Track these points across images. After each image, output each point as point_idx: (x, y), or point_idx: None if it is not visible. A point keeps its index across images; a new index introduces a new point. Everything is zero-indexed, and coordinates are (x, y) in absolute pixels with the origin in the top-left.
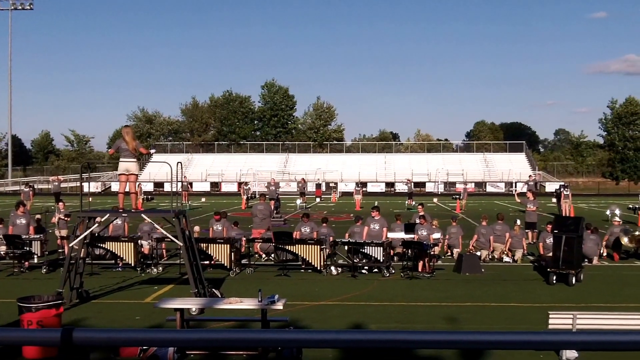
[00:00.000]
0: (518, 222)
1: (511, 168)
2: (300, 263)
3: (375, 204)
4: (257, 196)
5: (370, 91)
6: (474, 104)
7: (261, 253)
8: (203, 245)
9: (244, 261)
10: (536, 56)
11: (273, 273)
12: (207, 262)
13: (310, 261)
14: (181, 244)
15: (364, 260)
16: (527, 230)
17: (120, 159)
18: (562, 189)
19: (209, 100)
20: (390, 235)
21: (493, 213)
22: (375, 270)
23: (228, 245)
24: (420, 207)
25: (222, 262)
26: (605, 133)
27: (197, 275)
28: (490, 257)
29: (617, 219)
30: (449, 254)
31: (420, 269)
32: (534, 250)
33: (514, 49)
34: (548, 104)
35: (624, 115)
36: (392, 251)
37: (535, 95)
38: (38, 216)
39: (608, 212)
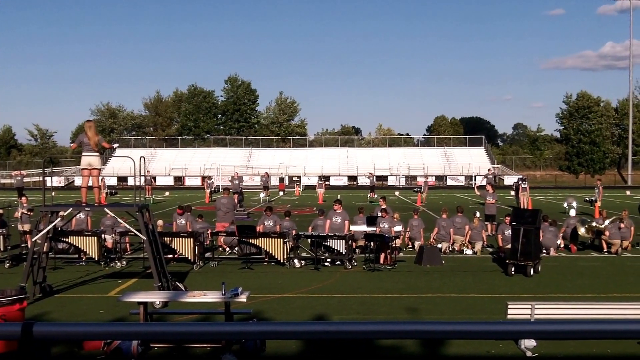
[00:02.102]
0: (477, 214)
1: (471, 162)
2: (263, 256)
3: (338, 198)
4: (220, 190)
5: (332, 86)
6: (434, 99)
7: (225, 246)
8: (166, 239)
9: (207, 254)
10: (494, 52)
11: (237, 266)
12: (170, 255)
13: (273, 254)
14: (144, 238)
15: (327, 253)
16: (486, 223)
17: (83, 154)
18: (520, 182)
19: (173, 95)
20: (353, 228)
21: (453, 206)
22: (338, 262)
23: (192, 239)
24: (382, 200)
25: (186, 256)
26: (562, 127)
27: (160, 269)
28: (450, 249)
29: (573, 211)
30: (410, 246)
31: (381, 261)
32: (493, 242)
33: (472, 45)
34: (506, 99)
35: (578, 109)
36: (354, 244)
37: (493, 91)
38: (0, 211)
39: (565, 205)
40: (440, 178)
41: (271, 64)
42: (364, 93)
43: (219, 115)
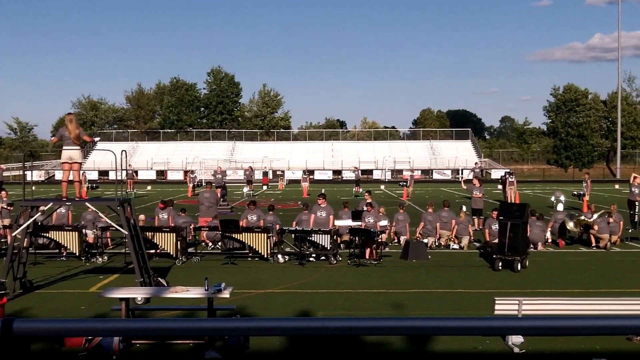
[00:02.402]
0: (464, 208)
1: (457, 155)
2: (247, 251)
3: (322, 192)
4: (203, 184)
5: (316, 79)
6: (420, 92)
7: (208, 241)
8: (148, 233)
9: (190, 250)
10: (481, 44)
11: (220, 261)
12: (152, 251)
13: (257, 249)
14: (126, 233)
15: (311, 248)
16: (473, 217)
17: (64, 147)
18: (507, 176)
19: (155, 87)
20: (338, 222)
21: (439, 200)
22: (323, 257)
23: (174, 234)
24: (367, 194)
25: (168, 251)
26: (550, 120)
27: (142, 264)
28: (436, 244)
29: (560, 205)
30: (396, 241)
31: (367, 256)
32: (480, 236)
33: (459, 37)
34: (492, 92)
35: (566, 102)
36: (339, 239)
37: (480, 83)
38: None
39: (553, 199)
40: (427, 172)
41: (255, 57)
42: (348, 86)
43: (202, 109)
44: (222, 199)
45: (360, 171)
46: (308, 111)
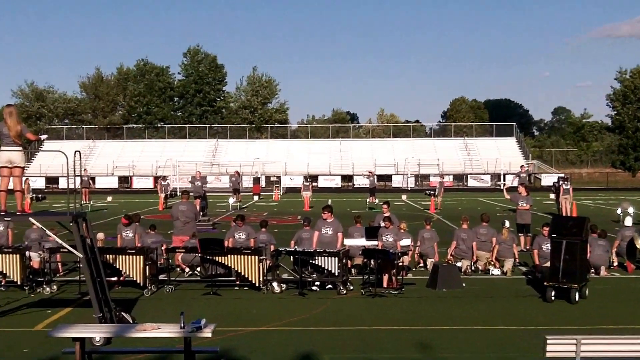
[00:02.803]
0: (507, 224)
1: (498, 157)
2: (233, 278)
3: (328, 203)
4: (178, 194)
5: (320, 61)
6: (451, 78)
7: (184, 266)
8: (109, 256)
9: (161, 276)
10: (528, 18)
11: (199, 291)
12: (114, 278)
13: (246, 276)
14: (81, 256)
15: (315, 274)
16: (518, 234)
17: (1, 148)
18: (561, 183)
19: (117, 72)
20: (348, 242)
21: (476, 213)
22: (329, 286)
23: (141, 257)
24: (384, 206)
25: (134, 278)
26: (615, 113)
27: (101, 296)
28: (472, 268)
29: (629, 220)
30: (422, 264)
31: (385, 284)
32: (527, 259)
33: (499, 11)
34: (543, 77)
35: (635, 90)
36: (349, 262)
37: (527, 66)
38: None
39: (619, 211)
40: (460, 177)
41: (242, 34)
42: (360, 70)
43: (176, 98)
44: (201, 213)
45: (376, 177)
46: (310, 102)
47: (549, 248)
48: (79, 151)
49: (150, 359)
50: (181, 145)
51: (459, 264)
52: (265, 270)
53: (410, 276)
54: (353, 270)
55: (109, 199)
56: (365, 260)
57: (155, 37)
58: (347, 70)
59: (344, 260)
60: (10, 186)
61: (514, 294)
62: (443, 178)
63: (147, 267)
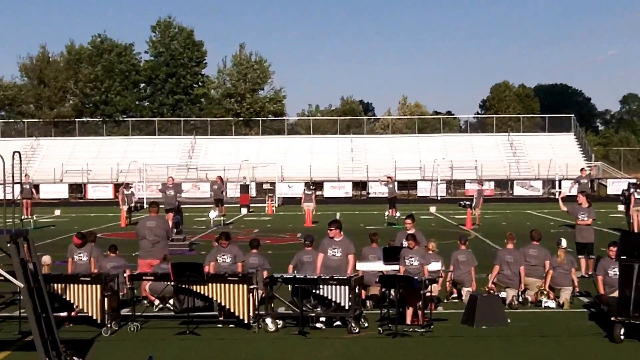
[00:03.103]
0: (564, 243)
1: (553, 157)
2: (216, 313)
3: (336, 218)
4: (145, 206)
5: (325, 37)
6: (492, 58)
7: (152, 298)
8: (58, 286)
9: (124, 311)
10: None
11: (172, 330)
12: (64, 313)
13: (232, 309)
14: (21, 285)
15: (319, 308)
16: (578, 257)
17: None
18: (632, 190)
19: (67, 52)
20: (361, 266)
21: (525, 230)
22: (338, 323)
23: (99, 286)
24: (408, 221)
25: (90, 314)
26: None
27: (48, 336)
28: (520, 299)
29: None
30: (455, 295)
31: (409, 321)
32: (589, 287)
33: None
34: (608, 57)
35: None
36: (363, 292)
37: (588, 44)
38: None
39: None
40: (504, 184)
41: (226, 6)
42: (377, 50)
43: (143, 85)
44: (175, 230)
45: (396, 184)
46: (313, 89)
47: (617, 274)
48: (19, 152)
49: None
50: (149, 144)
51: (502, 294)
52: (256, 303)
53: (440, 310)
54: (368, 303)
55: (57, 212)
56: (383, 289)
57: (116, 6)
58: (359, 49)
59: (357, 290)
60: None
61: (573, 332)
62: (482, 185)
63: (105, 299)
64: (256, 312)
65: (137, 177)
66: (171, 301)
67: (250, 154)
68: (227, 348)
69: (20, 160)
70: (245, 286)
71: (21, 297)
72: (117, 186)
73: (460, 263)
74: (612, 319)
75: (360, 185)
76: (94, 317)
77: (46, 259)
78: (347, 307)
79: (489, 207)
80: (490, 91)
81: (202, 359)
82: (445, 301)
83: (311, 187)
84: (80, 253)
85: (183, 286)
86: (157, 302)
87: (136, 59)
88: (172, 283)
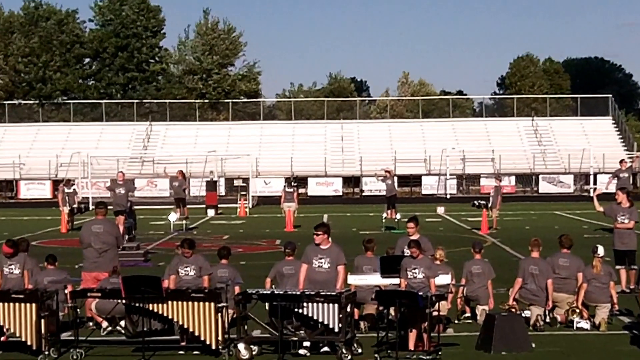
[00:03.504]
0: (601, 251)
1: (586, 147)
2: (177, 337)
3: (324, 221)
4: (91, 207)
5: (308, 5)
6: (513, 27)
7: (99, 319)
8: None
9: (65, 335)
10: None
11: (124, 358)
12: None
13: (196, 333)
14: None
15: (303, 330)
16: (617, 267)
17: None
18: None
19: None
20: (354, 280)
21: (552, 235)
22: (325, 348)
23: (34, 305)
24: (410, 225)
25: (23, 338)
26: None
27: None
28: (547, 319)
29: None
30: (468, 314)
31: (412, 346)
32: (631, 304)
33: None
34: None
35: None
36: (356, 311)
37: (629, 8)
38: None
39: None
40: (527, 179)
41: None
42: (372, 17)
43: (87, 60)
44: (127, 237)
45: (396, 179)
46: (294, 63)
47: None
48: None
49: None
50: (95, 131)
51: (526, 313)
52: (226, 325)
53: (450, 332)
54: (362, 324)
55: None
56: (380, 308)
57: None
58: (350, 15)
59: (348, 309)
60: None
61: (611, 358)
62: (500, 181)
63: (42, 320)
64: (226, 336)
65: (80, 173)
66: (122, 323)
67: (218, 143)
68: None
69: None
70: (212, 304)
71: None
72: (56, 183)
73: (474, 275)
74: None
75: (352, 181)
76: (29, 343)
77: None
78: (336, 330)
79: (509, 207)
80: (510, 67)
81: None
82: (456, 322)
83: (293, 183)
84: (10, 265)
85: (137, 305)
86: (105, 324)
87: (79, 29)
88: (124, 301)
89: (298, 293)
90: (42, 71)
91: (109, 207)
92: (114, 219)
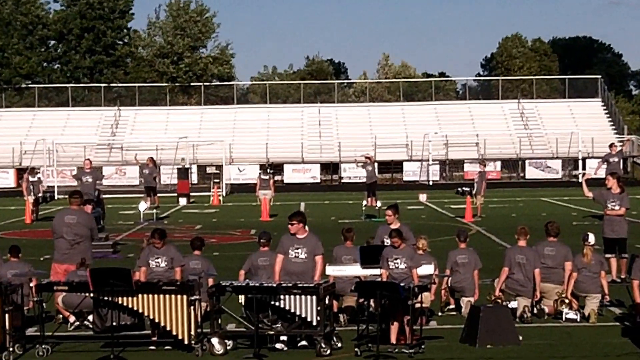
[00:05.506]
0: (591, 239)
1: (575, 129)
2: (148, 332)
3: (301, 209)
4: (56, 197)
5: None
6: (498, 4)
7: (66, 314)
8: None
9: (30, 331)
10: None
11: (93, 354)
12: None
13: (168, 327)
14: None
15: (279, 324)
16: (607, 256)
17: None
18: None
19: None
20: (333, 271)
21: (539, 222)
22: (303, 342)
23: None
24: (389, 212)
25: None
26: None
27: None
28: (535, 310)
29: None
30: (453, 306)
31: (393, 339)
32: (622, 294)
33: None
34: None
35: None
36: (335, 304)
37: None
38: None
39: None
40: (513, 164)
41: None
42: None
43: (52, 42)
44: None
45: (376, 165)
46: (269, 45)
47: None
48: None
49: None
50: (61, 117)
51: (512, 304)
52: (199, 319)
53: (434, 325)
54: (342, 317)
55: None
56: (360, 300)
57: None
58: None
59: (327, 301)
60: None
61: (601, 351)
62: (485, 166)
63: (6, 315)
64: (199, 330)
65: (45, 160)
66: (90, 318)
67: (190, 129)
68: None
69: None
70: (184, 297)
71: None
72: (20, 172)
73: (459, 266)
74: None
75: (330, 167)
76: None
77: None
78: (314, 323)
79: (495, 193)
80: (497, 46)
81: None
82: (440, 314)
83: (268, 170)
84: None
85: (105, 298)
86: (72, 318)
87: (42, 9)
88: (92, 295)
89: (274, 285)
90: (2, 55)
91: (77, 197)
92: (83, 207)
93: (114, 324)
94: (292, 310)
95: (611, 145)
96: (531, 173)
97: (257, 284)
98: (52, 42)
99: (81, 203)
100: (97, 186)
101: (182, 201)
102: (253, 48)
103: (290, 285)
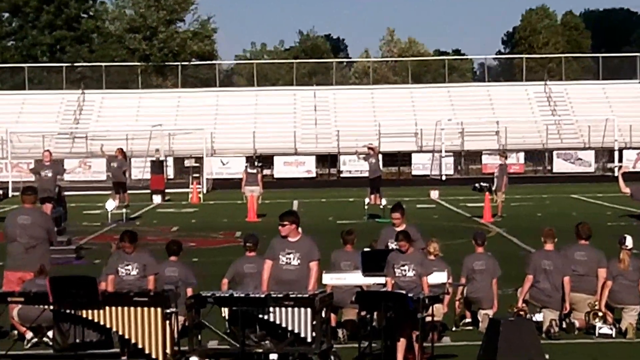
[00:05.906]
0: (629, 241)
1: (610, 116)
2: (117, 350)
3: (293, 209)
4: (10, 194)
5: None
6: None
7: (22, 329)
8: None
9: None
10: None
11: None
12: None
13: (140, 345)
14: None
15: (268, 340)
16: None
17: None
18: None
19: None
20: (330, 279)
21: (569, 223)
22: None
23: None
24: (396, 214)
25: None
26: None
27: None
28: (564, 323)
29: None
30: (469, 319)
31: (400, 357)
32: None
33: None
34: None
35: None
36: (333, 317)
37: None
38: None
39: None
40: (539, 156)
41: None
42: None
43: (6, 16)
44: (57, 228)
45: (381, 157)
46: (257, 19)
47: None
48: None
49: None
50: (16, 101)
51: (537, 317)
52: (175, 335)
53: (447, 341)
54: (341, 332)
55: None
56: (362, 313)
57: None
58: None
59: (324, 314)
60: None
61: None
62: (506, 158)
63: None
64: (176, 348)
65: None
66: (50, 333)
67: (165, 115)
68: None
69: None
70: (159, 310)
71: None
72: None
73: (476, 273)
74: None
75: (328, 160)
76: None
77: None
78: (309, 339)
79: (517, 190)
80: (519, 21)
81: None
82: (454, 329)
83: (256, 163)
84: None
85: (67, 311)
86: (29, 334)
87: None
88: (51, 307)
89: (262, 296)
90: None
91: (34, 194)
92: (42, 206)
93: (77, 340)
94: (283, 325)
95: None
96: (559, 166)
97: (243, 295)
98: (5, 15)
99: (36, 200)
100: (57, 182)
101: (157, 199)
102: (238, 22)
103: (281, 295)
